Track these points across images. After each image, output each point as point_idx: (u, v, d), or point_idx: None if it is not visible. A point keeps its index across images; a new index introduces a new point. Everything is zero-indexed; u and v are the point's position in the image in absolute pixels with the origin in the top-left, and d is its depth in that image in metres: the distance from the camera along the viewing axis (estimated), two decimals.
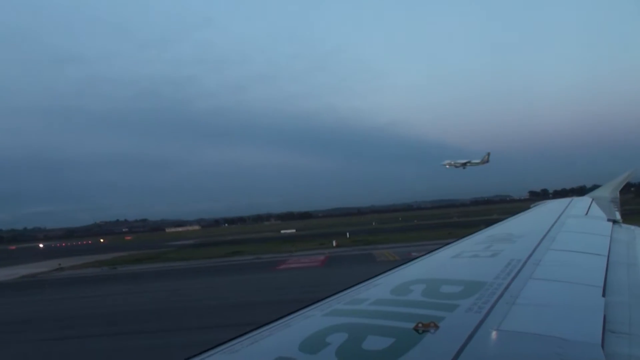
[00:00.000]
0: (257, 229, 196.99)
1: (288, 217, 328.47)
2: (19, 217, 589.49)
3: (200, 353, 2.70)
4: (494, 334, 2.60)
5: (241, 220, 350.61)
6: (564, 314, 3.02)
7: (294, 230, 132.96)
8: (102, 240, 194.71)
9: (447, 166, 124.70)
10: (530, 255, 4.61)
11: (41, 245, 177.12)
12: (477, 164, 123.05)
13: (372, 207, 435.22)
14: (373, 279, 4.24)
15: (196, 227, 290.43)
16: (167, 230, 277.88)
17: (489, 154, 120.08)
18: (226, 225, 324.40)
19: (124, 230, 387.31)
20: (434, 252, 5.67)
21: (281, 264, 50.58)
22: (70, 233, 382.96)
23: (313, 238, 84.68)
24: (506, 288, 3.44)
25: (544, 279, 3.79)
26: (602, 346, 2.48)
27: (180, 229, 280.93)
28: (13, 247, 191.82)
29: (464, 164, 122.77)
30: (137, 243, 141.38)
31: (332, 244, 67.78)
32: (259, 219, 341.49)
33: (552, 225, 7.06)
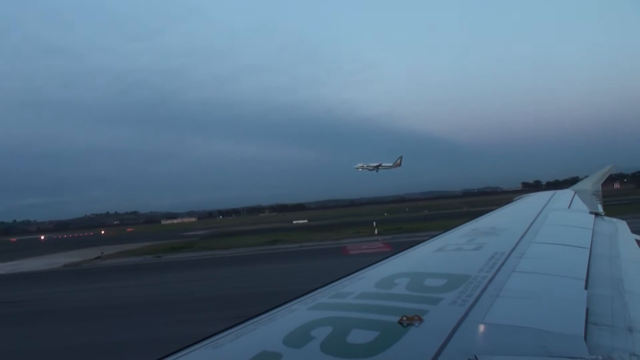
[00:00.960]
0: (260, 220, 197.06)
1: (281, 209, 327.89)
2: (7, 209, 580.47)
3: (184, 348, 2.72)
4: (477, 327, 2.63)
5: (235, 212, 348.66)
6: (547, 307, 3.05)
7: (306, 221, 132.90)
8: (103, 232, 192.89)
9: (360, 169, 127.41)
10: (514, 248, 4.64)
11: (42, 237, 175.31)
12: (389, 167, 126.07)
13: (362, 199, 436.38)
14: (357, 273, 4.25)
15: (192, 219, 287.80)
16: (163, 222, 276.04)
17: (401, 158, 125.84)
18: (220, 217, 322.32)
19: (115, 222, 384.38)
20: (417, 246, 5.69)
21: (347, 250, 49.18)
22: (61, 225, 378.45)
23: (338, 227, 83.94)
24: (490, 281, 3.48)
25: (527, 272, 3.84)
26: (585, 338, 2.53)
27: (175, 220, 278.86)
28: (14, 239, 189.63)
29: (376, 167, 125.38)
30: (146, 234, 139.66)
31: (374, 232, 67.10)
32: (252, 210, 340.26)
33: (535, 218, 7.09)
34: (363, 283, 3.80)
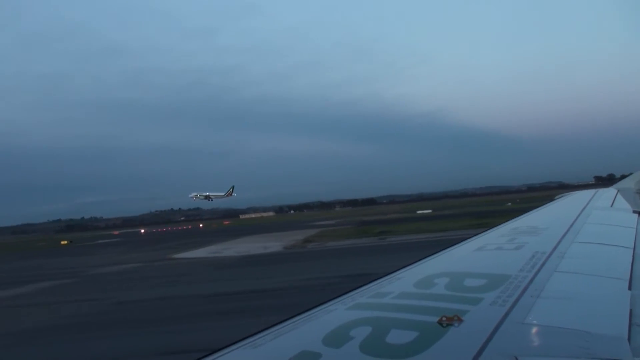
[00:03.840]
0: (355, 212, 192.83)
1: (352, 204, 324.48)
2: (74, 207, 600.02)
3: (224, 347, 2.71)
4: (518, 328, 2.57)
5: (307, 207, 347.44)
6: (589, 307, 2.99)
7: (430, 211, 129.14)
8: (200, 225, 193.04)
9: (194, 198, 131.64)
10: (555, 248, 4.60)
11: (142, 231, 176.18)
12: (221, 196, 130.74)
13: (422, 194, 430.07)
14: (396, 272, 4.25)
15: (270, 213, 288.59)
16: (241, 216, 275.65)
17: (232, 187, 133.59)
18: (292, 211, 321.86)
19: (181, 218, 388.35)
20: (457, 245, 5.65)
21: None
22: (129, 222, 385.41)
23: (476, 216, 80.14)
24: (531, 281, 3.43)
25: (568, 272, 3.77)
26: (629, 340, 2.47)
27: (254, 215, 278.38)
28: (116, 232, 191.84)
29: (207, 197, 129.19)
30: (271, 225, 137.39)
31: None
32: (324, 205, 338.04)
33: (577, 217, 7.03)
34: (402, 283, 3.84)
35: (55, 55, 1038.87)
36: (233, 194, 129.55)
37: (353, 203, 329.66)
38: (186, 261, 51.45)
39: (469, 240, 6.08)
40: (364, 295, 3.52)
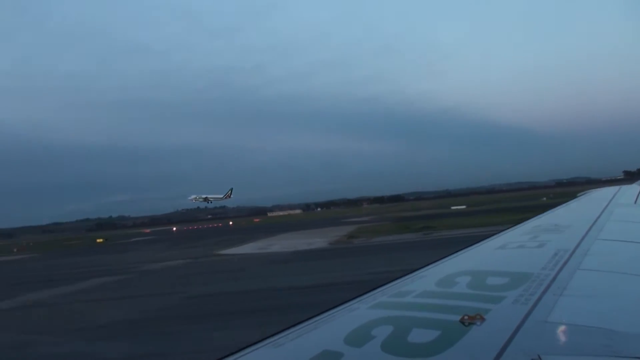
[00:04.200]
0: (387, 209, 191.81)
1: (379, 201, 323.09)
2: (101, 206, 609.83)
3: (246, 347, 2.72)
4: (541, 326, 2.55)
5: (333, 204, 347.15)
6: (612, 305, 2.97)
7: (464, 206, 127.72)
8: (231, 223, 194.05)
9: (194, 200, 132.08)
10: (578, 245, 4.57)
11: (174, 229, 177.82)
12: (219, 198, 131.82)
13: (448, 191, 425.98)
14: (418, 271, 4.26)
15: (298, 211, 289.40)
16: (269, 214, 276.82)
17: (231, 190, 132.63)
18: (318, 209, 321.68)
19: (208, 217, 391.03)
20: (479, 243, 5.70)
21: None
22: (155, 220, 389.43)
23: (515, 211, 78.46)
24: (553, 279, 3.41)
25: (592, 270, 3.73)
26: None
27: (282, 212, 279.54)
28: (147, 230, 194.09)
29: (206, 199, 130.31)
30: (305, 222, 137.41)
31: None
32: (350, 203, 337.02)
33: (600, 214, 6.95)
34: (424, 282, 3.84)
35: (80, 55, 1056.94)
36: (231, 196, 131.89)
37: (380, 200, 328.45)
38: (236, 257, 51.31)
39: (490, 238, 6.11)
40: (385, 294, 3.51)
